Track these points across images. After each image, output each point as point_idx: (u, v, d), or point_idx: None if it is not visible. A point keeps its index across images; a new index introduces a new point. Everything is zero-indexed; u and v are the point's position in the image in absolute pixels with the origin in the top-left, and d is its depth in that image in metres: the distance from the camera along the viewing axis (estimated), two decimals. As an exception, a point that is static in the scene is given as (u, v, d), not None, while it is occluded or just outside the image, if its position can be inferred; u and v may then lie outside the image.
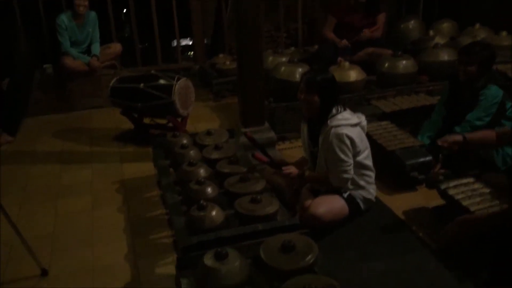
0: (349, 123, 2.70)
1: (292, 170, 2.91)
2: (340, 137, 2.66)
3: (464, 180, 2.86)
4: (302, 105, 2.81)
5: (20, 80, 4.63)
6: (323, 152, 2.79)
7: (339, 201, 2.76)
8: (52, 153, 4.28)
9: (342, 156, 2.68)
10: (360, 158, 2.75)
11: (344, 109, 2.77)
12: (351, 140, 2.68)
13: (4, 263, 2.72)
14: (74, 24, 5.12)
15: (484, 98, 3.24)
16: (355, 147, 2.71)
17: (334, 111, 2.74)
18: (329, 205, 2.72)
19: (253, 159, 3.04)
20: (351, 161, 2.71)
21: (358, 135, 2.73)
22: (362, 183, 2.80)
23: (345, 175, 2.73)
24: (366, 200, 2.84)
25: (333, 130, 2.69)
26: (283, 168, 2.92)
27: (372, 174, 2.86)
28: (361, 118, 2.81)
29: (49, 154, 4.27)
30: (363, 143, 2.77)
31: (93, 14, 5.25)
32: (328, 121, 2.72)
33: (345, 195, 2.78)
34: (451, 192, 2.77)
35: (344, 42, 5.04)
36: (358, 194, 2.81)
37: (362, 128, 2.80)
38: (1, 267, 2.69)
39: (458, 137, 2.76)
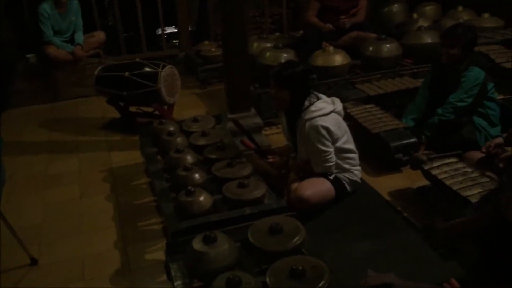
0: (323, 113, 2.67)
1: (276, 159, 2.95)
2: (316, 129, 2.66)
3: (447, 160, 2.91)
4: (274, 100, 2.81)
5: (3, 66, 4.55)
6: (302, 143, 2.80)
7: (325, 183, 2.78)
8: (39, 143, 4.26)
9: (322, 147, 2.69)
10: (339, 143, 2.76)
11: (318, 98, 2.75)
12: (327, 130, 2.67)
13: (-7, 253, 2.73)
14: (57, 13, 5.06)
15: (466, 79, 3.27)
16: (333, 135, 2.70)
17: (306, 103, 2.72)
18: (316, 188, 2.75)
19: (240, 144, 3.07)
20: (331, 149, 2.71)
21: (334, 123, 2.71)
22: (346, 166, 2.83)
23: (327, 164, 2.74)
24: (351, 181, 2.87)
25: (307, 123, 2.68)
26: (268, 157, 2.97)
27: (355, 156, 2.88)
28: (336, 104, 2.78)
29: (36, 144, 4.25)
30: (340, 129, 2.76)
31: (75, 2, 5.20)
32: (302, 114, 2.71)
33: (331, 177, 2.81)
34: (434, 172, 2.83)
35: (328, 26, 5.03)
36: (343, 176, 2.84)
37: (338, 113, 2.78)
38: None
39: (499, 140, 2.82)
